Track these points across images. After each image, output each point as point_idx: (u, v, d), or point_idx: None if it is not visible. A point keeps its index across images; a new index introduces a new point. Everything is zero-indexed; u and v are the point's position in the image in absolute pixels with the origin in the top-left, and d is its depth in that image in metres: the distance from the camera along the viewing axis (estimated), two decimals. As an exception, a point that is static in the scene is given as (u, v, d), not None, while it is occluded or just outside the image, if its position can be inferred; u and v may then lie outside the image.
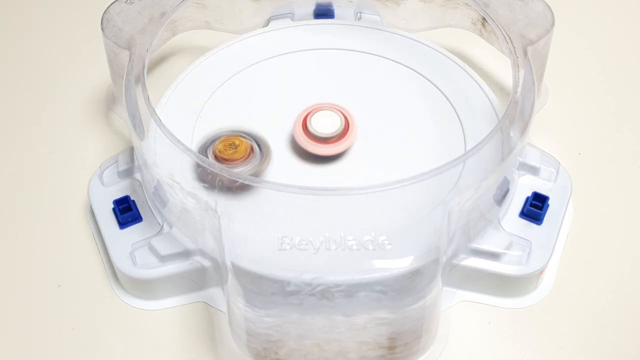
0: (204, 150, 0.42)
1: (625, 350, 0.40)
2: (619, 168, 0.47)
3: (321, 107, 0.43)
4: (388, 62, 0.48)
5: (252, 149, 0.42)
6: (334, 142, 0.43)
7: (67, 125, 0.50)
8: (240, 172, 0.41)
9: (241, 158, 0.41)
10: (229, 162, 0.41)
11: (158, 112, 0.43)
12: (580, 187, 0.45)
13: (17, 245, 0.44)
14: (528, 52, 0.43)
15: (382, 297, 0.36)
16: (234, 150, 0.41)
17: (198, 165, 0.39)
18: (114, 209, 0.43)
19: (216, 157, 0.41)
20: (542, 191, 0.43)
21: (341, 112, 0.43)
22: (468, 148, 0.43)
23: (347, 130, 0.43)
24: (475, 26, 0.49)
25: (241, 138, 0.42)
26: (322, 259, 0.37)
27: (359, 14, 0.51)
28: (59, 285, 0.43)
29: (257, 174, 0.41)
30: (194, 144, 0.43)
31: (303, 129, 0.43)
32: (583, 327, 0.41)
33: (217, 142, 0.42)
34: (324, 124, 0.43)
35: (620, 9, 0.56)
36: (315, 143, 0.43)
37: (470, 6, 0.47)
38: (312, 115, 0.43)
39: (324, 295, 0.36)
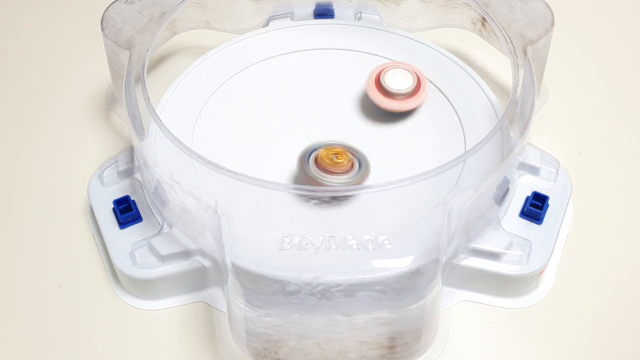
0: (307, 154, 0.41)
1: (625, 350, 0.40)
2: (619, 168, 0.47)
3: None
4: (388, 62, 0.48)
5: (352, 164, 0.40)
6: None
7: (67, 125, 0.50)
8: (340, 181, 0.40)
9: (342, 169, 0.40)
10: (330, 171, 0.40)
11: (158, 112, 0.43)
12: (580, 187, 0.45)
13: (17, 245, 0.44)
14: (528, 51, 0.43)
15: (382, 297, 0.36)
16: (335, 160, 0.40)
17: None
18: (114, 209, 0.43)
19: (317, 165, 0.40)
20: (542, 191, 0.43)
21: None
22: (468, 148, 0.43)
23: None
24: (475, 26, 0.49)
25: (345, 151, 0.41)
26: (322, 259, 0.37)
27: (359, 14, 0.51)
28: (59, 285, 0.43)
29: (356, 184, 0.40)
30: None
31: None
32: (583, 327, 0.41)
33: (321, 150, 0.41)
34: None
35: (620, 9, 0.56)
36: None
37: (470, 6, 0.47)
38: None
39: (324, 294, 0.36)
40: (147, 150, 0.41)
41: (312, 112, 0.45)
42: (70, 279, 0.43)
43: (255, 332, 0.37)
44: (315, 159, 0.40)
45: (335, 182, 0.40)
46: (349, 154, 0.41)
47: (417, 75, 0.44)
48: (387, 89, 0.44)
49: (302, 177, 0.40)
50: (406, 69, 0.44)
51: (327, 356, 0.38)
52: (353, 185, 0.40)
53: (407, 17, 0.50)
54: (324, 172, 0.40)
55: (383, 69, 0.44)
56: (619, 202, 0.46)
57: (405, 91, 0.44)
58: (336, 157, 0.40)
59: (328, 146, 0.41)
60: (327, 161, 0.40)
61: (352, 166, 0.40)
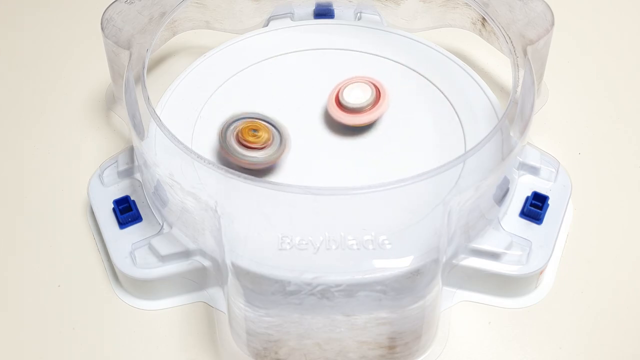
0: (225, 129, 0.42)
1: (625, 350, 0.40)
2: (619, 168, 0.47)
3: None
4: (388, 62, 0.48)
5: (272, 136, 0.42)
6: None
7: (67, 125, 0.50)
8: (259, 157, 0.41)
9: (261, 144, 0.42)
10: (250, 146, 0.41)
11: (158, 112, 0.43)
12: (580, 187, 0.45)
13: (17, 245, 0.44)
14: (528, 51, 0.43)
15: (382, 297, 0.36)
16: (255, 135, 0.42)
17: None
18: (114, 209, 0.43)
19: (238, 140, 0.42)
20: (542, 191, 0.43)
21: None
22: (468, 148, 0.43)
23: None
24: (475, 26, 0.49)
25: (263, 124, 0.42)
26: (322, 259, 0.37)
27: (359, 14, 0.51)
28: (59, 285, 0.43)
29: (274, 161, 0.42)
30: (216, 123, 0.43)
31: None
32: (583, 327, 0.41)
33: (239, 124, 0.42)
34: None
35: (620, 9, 0.56)
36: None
37: (470, 6, 0.47)
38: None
39: (324, 294, 0.36)
40: (147, 150, 0.41)
41: (312, 112, 0.45)
42: (70, 279, 0.43)
43: (255, 332, 0.38)
44: (236, 134, 0.42)
45: (254, 156, 0.41)
46: (269, 128, 0.42)
47: (377, 87, 0.44)
48: (345, 104, 0.43)
49: (222, 153, 0.42)
50: (365, 82, 0.44)
51: (327, 356, 0.38)
52: (271, 161, 0.41)
53: (407, 17, 0.50)
54: (243, 148, 0.41)
55: (342, 87, 0.44)
56: (619, 202, 0.46)
57: (364, 105, 0.43)
58: (255, 132, 0.42)
59: (247, 120, 0.42)
60: (246, 137, 0.41)
61: (271, 141, 0.42)
